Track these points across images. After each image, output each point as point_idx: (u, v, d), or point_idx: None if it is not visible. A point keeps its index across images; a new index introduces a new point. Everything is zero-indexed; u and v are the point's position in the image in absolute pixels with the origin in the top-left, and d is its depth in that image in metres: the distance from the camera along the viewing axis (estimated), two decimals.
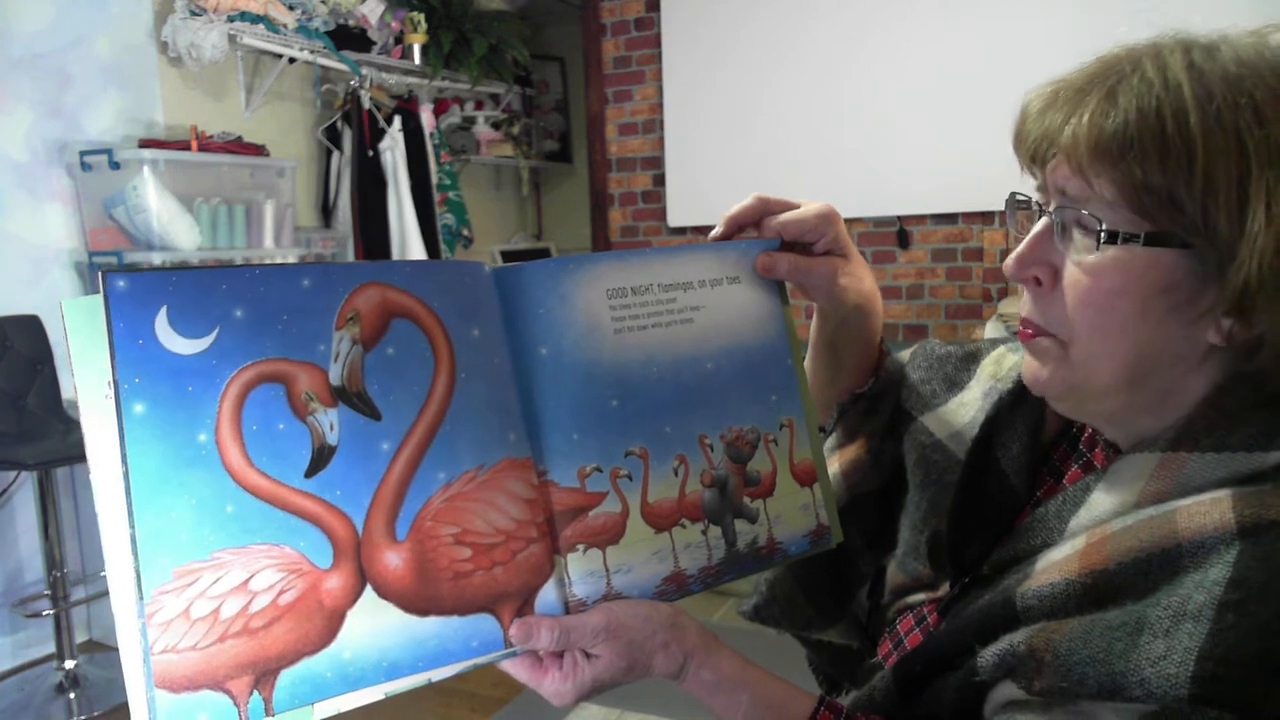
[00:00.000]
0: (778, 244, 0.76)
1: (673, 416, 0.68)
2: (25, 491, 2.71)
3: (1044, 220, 0.62)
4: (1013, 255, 0.63)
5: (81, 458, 2.27)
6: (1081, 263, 0.59)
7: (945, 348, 0.86)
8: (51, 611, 2.56)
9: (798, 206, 0.76)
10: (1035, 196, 0.65)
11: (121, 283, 0.52)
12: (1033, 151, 0.62)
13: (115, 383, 0.51)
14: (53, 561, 2.54)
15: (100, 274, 0.51)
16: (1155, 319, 0.58)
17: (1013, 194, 0.67)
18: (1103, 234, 0.57)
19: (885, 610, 0.80)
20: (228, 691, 0.52)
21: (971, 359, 0.83)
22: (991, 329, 2.97)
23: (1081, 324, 0.60)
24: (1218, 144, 0.54)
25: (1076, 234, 0.59)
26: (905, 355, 0.88)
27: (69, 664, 2.58)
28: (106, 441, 0.52)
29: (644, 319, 0.68)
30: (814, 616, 0.88)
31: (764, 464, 0.72)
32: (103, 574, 2.74)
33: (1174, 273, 0.57)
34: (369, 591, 0.56)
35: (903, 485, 0.81)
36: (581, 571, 0.63)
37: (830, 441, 0.87)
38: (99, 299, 0.51)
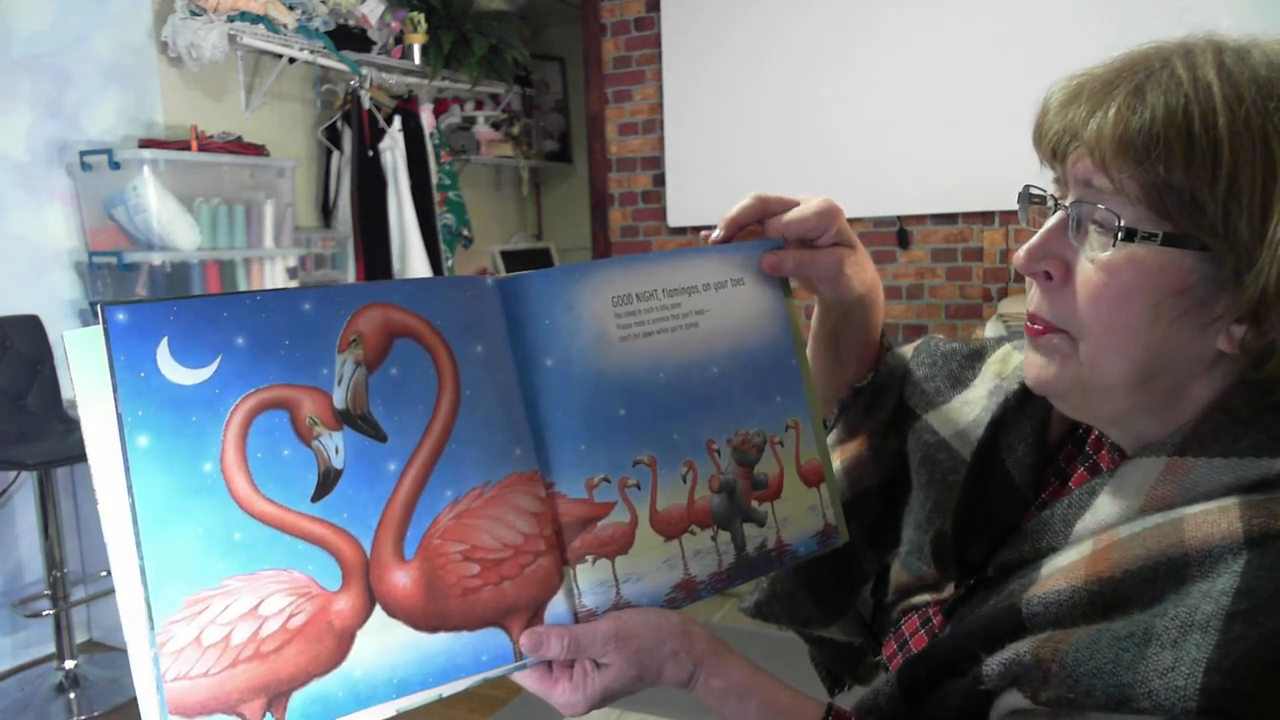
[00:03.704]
0: (780, 244, 0.75)
1: (680, 422, 0.68)
2: (25, 491, 2.70)
3: (1058, 214, 0.62)
4: (1024, 248, 0.62)
5: (82, 458, 2.27)
6: (1095, 259, 0.58)
7: (949, 344, 0.85)
8: (51, 611, 2.56)
9: (797, 204, 0.75)
10: (1051, 190, 0.64)
11: (121, 315, 0.51)
12: (1053, 145, 0.62)
13: (119, 415, 0.51)
14: (53, 561, 2.54)
15: (100, 307, 0.51)
16: (1166, 321, 0.57)
17: (1026, 187, 0.66)
18: (1120, 231, 0.57)
19: (889, 609, 0.80)
20: (241, 714, 0.53)
21: (976, 356, 0.83)
22: (991, 329, 2.97)
23: (1091, 321, 0.59)
24: (1244, 147, 0.53)
25: (1092, 230, 0.59)
26: (908, 350, 0.87)
27: (69, 664, 2.58)
28: (113, 472, 0.52)
29: (649, 325, 0.68)
30: (815, 613, 0.88)
31: (771, 466, 0.72)
32: (103, 574, 2.74)
33: (1189, 275, 0.56)
34: (378, 611, 0.56)
35: (904, 482, 0.81)
36: (591, 582, 0.64)
37: (831, 437, 0.87)
38: (100, 331, 0.51)
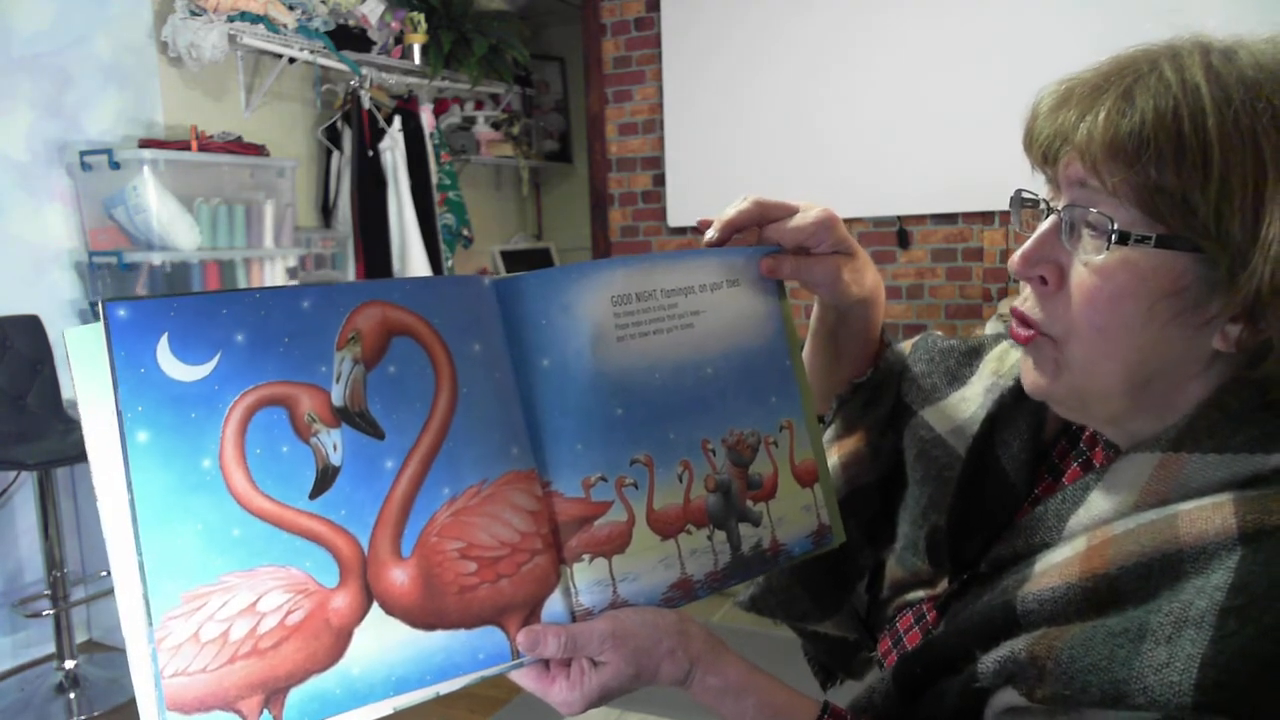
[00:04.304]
0: (778, 249, 0.76)
1: (676, 422, 0.68)
2: (25, 491, 2.71)
3: (1051, 218, 0.62)
4: (1018, 253, 0.62)
5: (82, 458, 2.27)
6: (1089, 263, 0.58)
7: (948, 341, 0.86)
8: (51, 611, 2.56)
9: (795, 209, 0.75)
10: (1043, 194, 0.64)
11: (122, 311, 0.52)
12: (1044, 149, 0.62)
13: (118, 411, 0.51)
14: (53, 561, 2.54)
15: (101, 303, 0.51)
16: (1160, 323, 0.57)
17: (1018, 191, 0.66)
18: (1114, 234, 0.57)
19: (884, 605, 0.81)
20: (238, 711, 0.53)
21: (974, 354, 0.83)
22: (991, 329, 2.97)
23: (1085, 325, 0.59)
24: (1234, 148, 0.54)
25: (1085, 233, 0.59)
26: (906, 347, 0.88)
27: (69, 664, 2.58)
28: (112, 469, 0.52)
29: (646, 325, 0.68)
30: (810, 608, 0.88)
31: (765, 467, 0.73)
32: (103, 574, 2.74)
33: (1183, 277, 0.56)
34: (375, 608, 0.56)
35: (901, 478, 0.81)
36: (588, 581, 0.64)
37: (829, 433, 0.87)
38: (100, 328, 0.51)
